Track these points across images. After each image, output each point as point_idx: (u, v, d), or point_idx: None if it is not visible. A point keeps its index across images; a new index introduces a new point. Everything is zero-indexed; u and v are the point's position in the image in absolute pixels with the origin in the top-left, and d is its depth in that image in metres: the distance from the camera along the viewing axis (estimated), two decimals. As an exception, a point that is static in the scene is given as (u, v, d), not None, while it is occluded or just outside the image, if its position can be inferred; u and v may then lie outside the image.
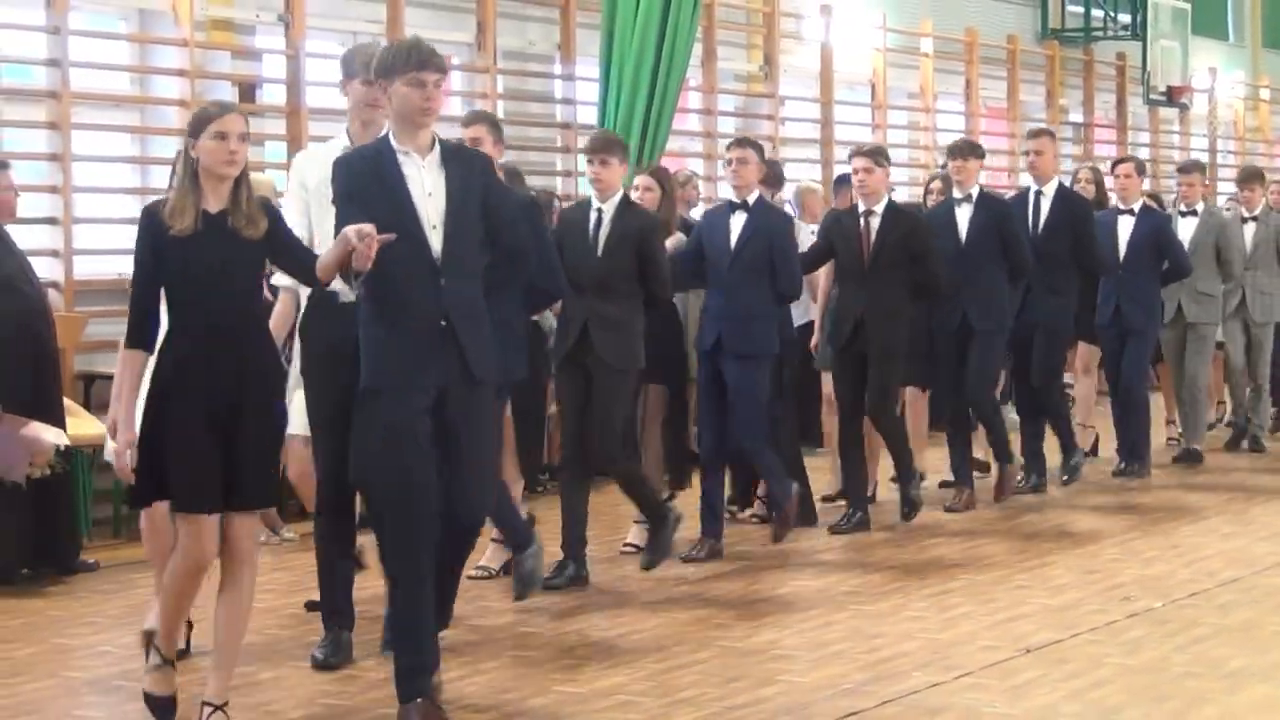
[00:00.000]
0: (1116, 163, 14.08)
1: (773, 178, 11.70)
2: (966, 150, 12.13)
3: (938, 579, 9.79)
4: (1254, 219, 14.80)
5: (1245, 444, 14.95)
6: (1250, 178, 15.30)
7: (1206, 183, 15.82)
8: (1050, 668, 7.81)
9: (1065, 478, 12.59)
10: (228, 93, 13.66)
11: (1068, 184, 13.71)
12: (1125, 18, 24.47)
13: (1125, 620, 8.77)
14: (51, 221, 11.98)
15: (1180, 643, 8.32)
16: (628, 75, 14.48)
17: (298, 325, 7.77)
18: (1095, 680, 7.61)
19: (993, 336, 11.90)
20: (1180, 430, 14.56)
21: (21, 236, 9.80)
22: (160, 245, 6.47)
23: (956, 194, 12.04)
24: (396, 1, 14.46)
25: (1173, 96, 25.48)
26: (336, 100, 14.67)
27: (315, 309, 7.54)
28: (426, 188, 6.76)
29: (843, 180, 15.63)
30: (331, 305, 7.30)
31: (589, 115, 15.42)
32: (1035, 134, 13.23)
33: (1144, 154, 25.18)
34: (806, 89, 19.66)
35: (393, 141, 6.81)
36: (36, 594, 9.36)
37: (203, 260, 6.45)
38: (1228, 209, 15.69)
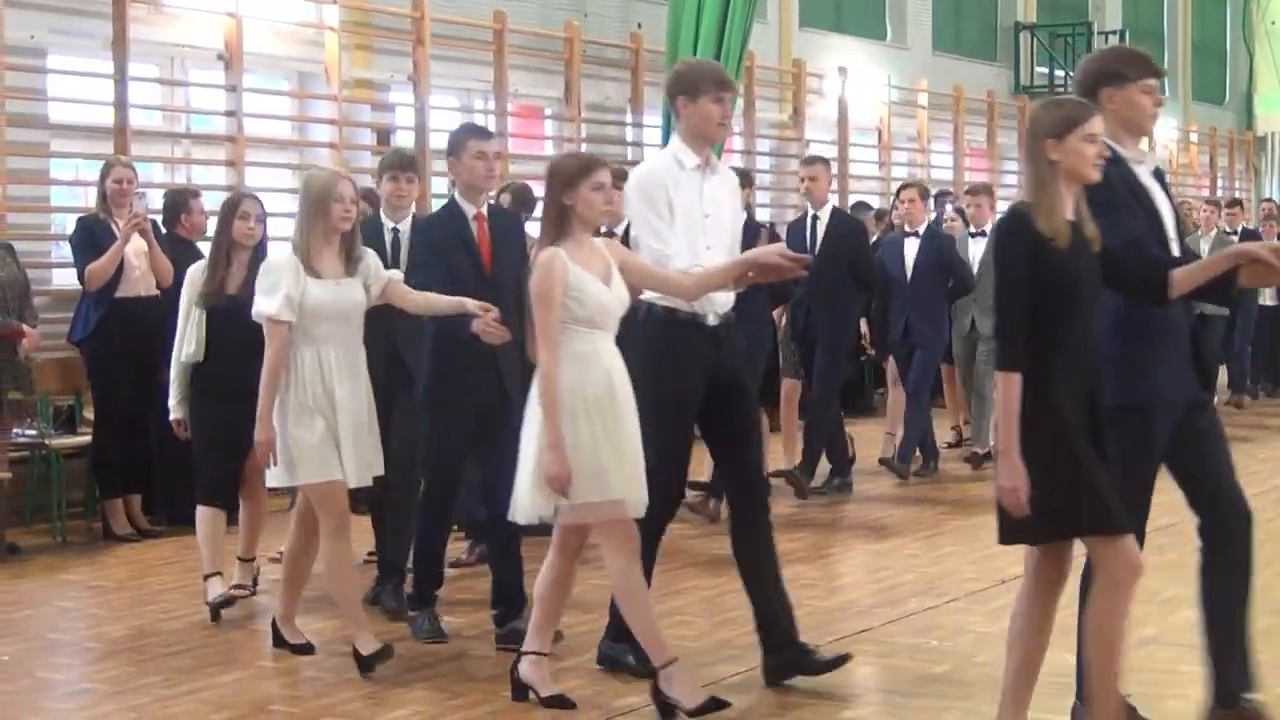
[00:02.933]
0: (901, 189, 12.46)
1: (527, 201, 10.01)
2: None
3: (929, 525, 9.77)
4: None
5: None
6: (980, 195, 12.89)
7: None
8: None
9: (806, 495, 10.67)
10: (368, 138, 13.72)
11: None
12: (1082, 77, 24.35)
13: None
14: (229, 239, 12.04)
15: (1125, 576, 8.25)
16: (684, 123, 14.44)
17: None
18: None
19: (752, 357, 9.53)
20: (967, 434, 12.93)
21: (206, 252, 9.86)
22: (1042, 257, 4.79)
23: None
24: (501, 64, 14.48)
25: (1119, 140, 25.30)
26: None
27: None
28: (1164, 199, 5.30)
29: (858, 207, 15.66)
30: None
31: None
32: (809, 161, 11.40)
33: (1096, 186, 25.03)
34: (827, 134, 19.60)
35: (1122, 151, 5.18)
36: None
37: (1077, 276, 4.84)
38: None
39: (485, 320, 6.32)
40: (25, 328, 9.28)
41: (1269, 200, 20.50)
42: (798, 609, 6.37)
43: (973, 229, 12.55)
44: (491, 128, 14.88)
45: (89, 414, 10.03)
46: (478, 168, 6.74)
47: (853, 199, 17.59)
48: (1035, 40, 24.18)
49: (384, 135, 13.80)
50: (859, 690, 6.16)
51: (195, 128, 12.71)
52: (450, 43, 14.19)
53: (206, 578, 7.51)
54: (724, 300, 6.16)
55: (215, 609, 7.38)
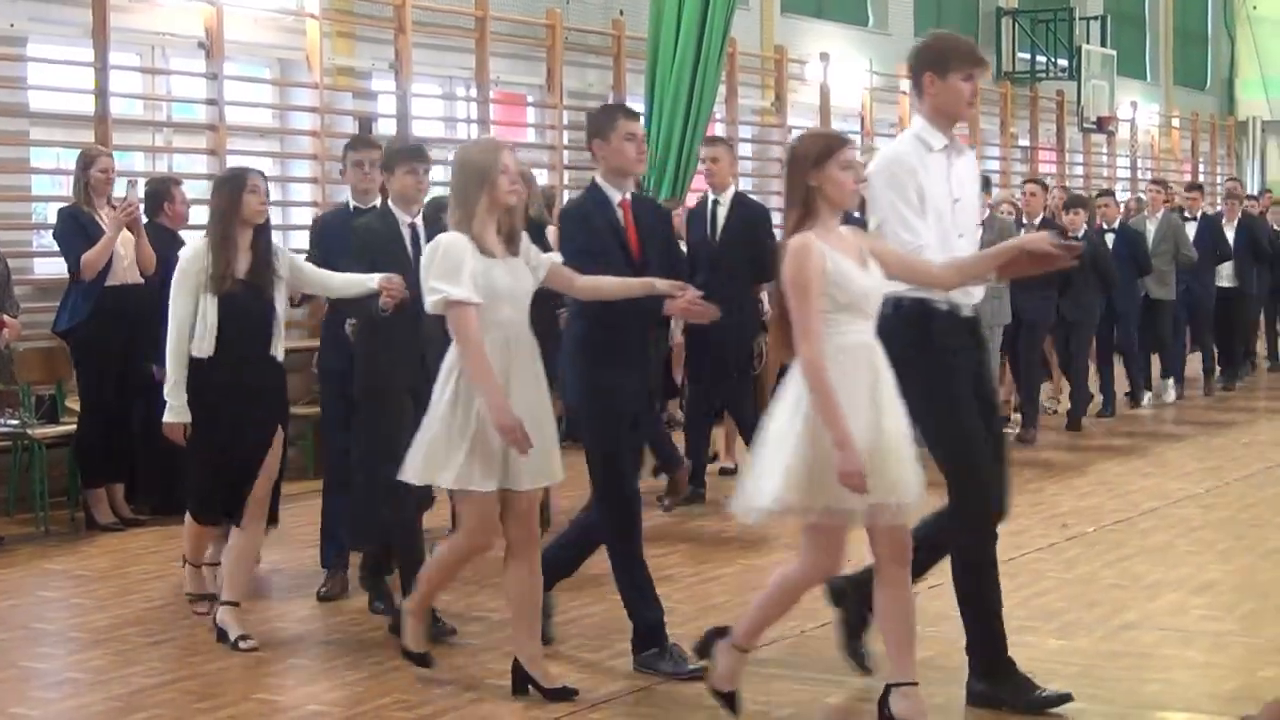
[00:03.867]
0: (1025, 182, 12.08)
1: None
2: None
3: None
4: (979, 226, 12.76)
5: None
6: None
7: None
8: (1003, 580, 7.75)
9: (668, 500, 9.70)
10: (350, 126, 13.68)
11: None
12: (1063, 62, 24.38)
13: (1064, 542, 8.73)
14: (211, 228, 12.00)
15: (1108, 560, 8.28)
16: (666, 110, 14.43)
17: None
18: (1040, 590, 7.58)
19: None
20: None
21: (188, 239, 9.84)
22: None
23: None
24: (483, 52, 14.44)
25: (1101, 125, 25.34)
26: (438, 131, 14.75)
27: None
28: None
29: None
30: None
31: (636, 142, 15.38)
32: (710, 141, 10.86)
33: (1079, 171, 25.10)
34: (809, 120, 19.59)
35: None
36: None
37: None
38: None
39: (687, 299, 5.87)
40: (6, 318, 9.24)
41: (1233, 180, 20.51)
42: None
43: None
44: (473, 115, 14.92)
45: (71, 404, 10.00)
46: (628, 149, 6.20)
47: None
48: (1017, 26, 24.17)
49: (366, 123, 13.75)
50: (842, 674, 6.16)
51: (176, 116, 12.66)
52: (432, 30, 14.16)
53: (186, 563, 7.30)
54: (978, 290, 5.72)
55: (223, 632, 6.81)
